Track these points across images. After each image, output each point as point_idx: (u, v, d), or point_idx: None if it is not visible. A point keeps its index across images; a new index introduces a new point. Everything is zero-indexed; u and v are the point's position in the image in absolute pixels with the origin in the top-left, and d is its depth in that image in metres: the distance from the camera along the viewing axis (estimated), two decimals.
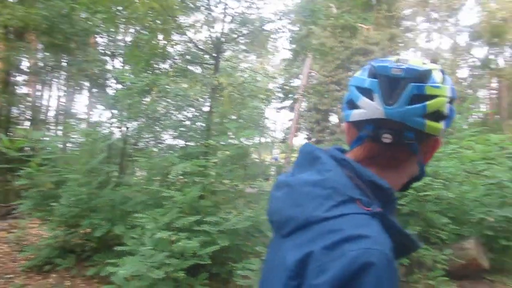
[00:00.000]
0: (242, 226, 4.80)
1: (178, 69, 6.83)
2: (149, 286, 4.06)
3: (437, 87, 0.80)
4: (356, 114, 0.84)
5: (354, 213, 0.73)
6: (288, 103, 30.92)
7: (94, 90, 13.99)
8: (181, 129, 6.07)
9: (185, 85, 5.41)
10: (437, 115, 0.80)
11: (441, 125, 0.81)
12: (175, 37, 6.89)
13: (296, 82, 25.14)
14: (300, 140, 36.07)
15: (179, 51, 7.26)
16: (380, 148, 0.83)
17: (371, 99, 0.81)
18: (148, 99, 7.33)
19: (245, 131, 5.62)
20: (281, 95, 7.60)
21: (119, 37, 9.57)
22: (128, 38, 8.81)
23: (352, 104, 0.86)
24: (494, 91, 39.97)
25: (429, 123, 0.79)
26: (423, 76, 0.79)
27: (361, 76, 0.86)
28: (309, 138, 26.92)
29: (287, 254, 0.75)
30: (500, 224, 6.03)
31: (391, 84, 0.79)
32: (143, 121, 7.11)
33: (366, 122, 0.83)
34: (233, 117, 6.81)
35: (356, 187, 0.77)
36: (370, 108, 0.81)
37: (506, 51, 33.81)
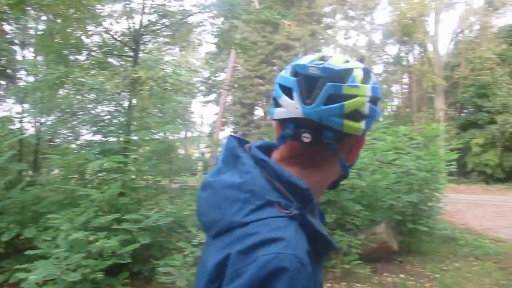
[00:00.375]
0: (163, 223, 4.73)
1: (95, 61, 6.50)
2: None
3: (356, 86, 0.79)
4: (278, 112, 0.84)
5: (272, 217, 0.73)
6: (213, 97, 30.98)
7: (2, 82, 12.89)
8: (100, 124, 5.79)
9: (102, 79, 5.13)
10: (356, 115, 0.79)
11: (360, 124, 0.80)
12: (91, 27, 6.54)
13: (222, 76, 25.21)
14: (226, 134, 36.24)
15: (96, 41, 6.92)
16: (301, 147, 0.82)
17: (291, 98, 0.80)
18: (63, 92, 6.91)
19: (167, 125, 5.52)
20: (204, 89, 7.54)
21: (31, 24, 8.86)
22: (41, 26, 8.18)
23: (275, 102, 0.85)
24: (406, 86, 43.21)
25: (348, 122, 0.78)
26: (341, 76, 0.78)
27: (284, 74, 0.85)
28: (235, 132, 27.11)
29: (210, 256, 0.76)
30: (407, 208, 6.57)
31: (309, 83, 0.78)
32: (58, 116, 6.69)
33: (288, 120, 0.82)
34: (155, 111, 6.64)
35: (274, 190, 0.77)
36: (290, 107, 0.80)
37: (415, 49, 36.64)
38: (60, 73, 4.97)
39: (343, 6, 31.77)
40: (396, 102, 47.63)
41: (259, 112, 26.37)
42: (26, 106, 7.18)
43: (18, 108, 7.64)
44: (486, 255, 7.04)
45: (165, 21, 6.71)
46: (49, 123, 7.02)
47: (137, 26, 6.40)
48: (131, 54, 6.36)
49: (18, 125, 7.31)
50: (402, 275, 5.72)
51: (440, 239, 7.73)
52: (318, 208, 0.94)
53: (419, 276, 5.75)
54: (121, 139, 5.93)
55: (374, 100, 0.82)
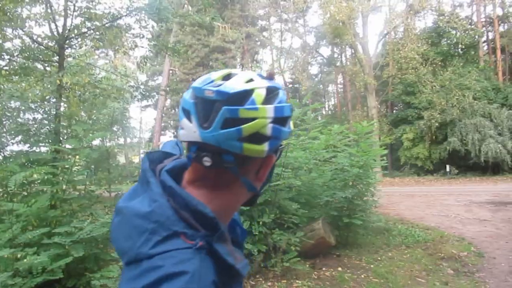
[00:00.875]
0: (98, 233, 4.54)
1: (17, 67, 6.11)
2: None
3: (254, 109, 0.75)
4: (181, 135, 0.80)
5: (178, 249, 0.71)
6: (152, 101, 30.22)
7: None
8: (27, 133, 5.43)
9: (24, 85, 4.81)
10: (256, 138, 0.76)
11: (263, 146, 0.77)
12: (10, 30, 6.13)
13: (159, 80, 24.61)
14: (167, 138, 35.53)
15: (18, 45, 6.51)
16: (204, 170, 0.80)
17: (190, 121, 0.77)
18: None
19: (97, 133, 5.31)
20: (138, 94, 7.33)
21: None
22: None
23: (180, 124, 0.81)
24: (341, 86, 44.99)
25: (247, 146, 0.76)
26: (237, 98, 0.75)
27: (186, 95, 0.81)
28: (175, 136, 26.62)
29: (121, 285, 0.73)
30: (343, 204, 6.84)
31: (205, 106, 0.76)
32: None
33: (191, 143, 0.79)
34: (86, 118, 6.35)
35: (181, 220, 0.75)
36: (189, 130, 0.77)
37: (347, 50, 38.27)
38: None
39: (277, 9, 32.41)
40: (332, 101, 49.69)
41: None
42: None
43: None
44: (416, 243, 7.50)
45: (91, 24, 6.45)
46: None
47: (60, 30, 6.11)
48: (56, 59, 6.06)
49: None
50: (339, 268, 5.94)
51: (375, 231, 8.13)
52: (240, 225, 0.97)
53: (355, 268, 6.00)
54: (47, 149, 5.63)
55: (278, 120, 0.78)
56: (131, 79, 6.45)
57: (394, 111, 34.07)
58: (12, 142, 5.75)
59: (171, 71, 22.87)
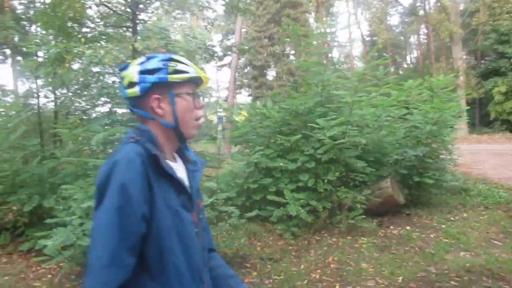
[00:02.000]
0: None
1: (96, 33, 6.57)
2: (82, 253, 4.15)
3: (125, 70, 1.29)
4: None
5: (128, 143, 1.20)
6: (228, 60, 30.59)
7: (18, 58, 13.10)
8: (108, 95, 5.89)
9: (102, 52, 5.19)
10: (130, 85, 1.26)
11: (134, 89, 1.25)
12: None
13: (232, 39, 24.78)
14: (243, 97, 35.94)
15: (100, 13, 6.95)
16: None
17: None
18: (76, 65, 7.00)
19: None
20: (206, 55, 7.51)
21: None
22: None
23: None
24: (424, 37, 41.78)
25: (127, 91, 1.27)
26: (125, 67, 1.30)
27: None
28: (249, 95, 27.02)
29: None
30: (413, 162, 6.61)
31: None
32: (74, 88, 6.78)
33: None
34: None
35: (136, 136, 1.23)
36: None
37: None
38: (59, 48, 5.09)
39: None
40: (415, 54, 46.50)
41: (270, 73, 26.04)
42: (40, 81, 7.33)
43: (33, 83, 7.84)
44: (497, 204, 7.04)
45: None
46: (64, 96, 7.16)
47: None
48: (130, 24, 6.40)
49: (33, 101, 7.53)
50: (408, 227, 5.86)
51: (450, 190, 7.77)
52: (197, 158, 1.45)
53: (425, 227, 5.87)
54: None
55: (143, 72, 1.25)
56: (199, 41, 6.59)
57: (484, 62, 30.98)
58: (97, 103, 6.29)
59: (243, 29, 22.84)
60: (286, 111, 6.55)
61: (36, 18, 6.96)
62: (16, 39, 11.64)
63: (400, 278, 4.15)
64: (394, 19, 43.09)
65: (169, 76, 1.24)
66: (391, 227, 5.93)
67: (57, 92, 7.13)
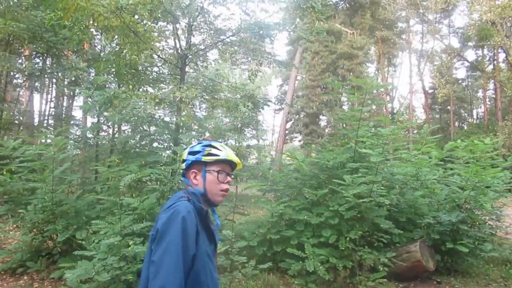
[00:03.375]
0: None
1: (146, 80, 7.14)
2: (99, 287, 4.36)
3: (184, 151, 1.82)
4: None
5: (181, 201, 1.60)
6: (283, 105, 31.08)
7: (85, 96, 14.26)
8: (147, 139, 6.34)
9: (147, 98, 5.67)
10: (183, 161, 1.77)
11: (183, 164, 1.76)
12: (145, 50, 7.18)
13: (285, 87, 25.35)
14: (295, 143, 35.99)
15: (152, 61, 7.56)
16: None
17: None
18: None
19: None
20: (250, 103, 7.84)
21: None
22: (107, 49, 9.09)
23: None
24: (492, 92, 39.92)
25: (182, 165, 1.77)
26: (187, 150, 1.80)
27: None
28: (299, 141, 27.12)
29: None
30: (445, 228, 6.31)
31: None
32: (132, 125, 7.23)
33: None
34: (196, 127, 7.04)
35: (185, 196, 1.66)
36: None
37: (499, 53, 33.90)
38: (110, 94, 5.60)
39: (417, 10, 30.50)
40: (482, 108, 44.29)
41: (321, 121, 26.17)
42: (101, 116, 7.93)
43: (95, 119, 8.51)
44: None
45: (212, 39, 7.14)
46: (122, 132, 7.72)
47: (183, 44, 6.87)
48: (178, 73, 6.90)
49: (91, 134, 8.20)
50: None
51: (492, 260, 7.26)
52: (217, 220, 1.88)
53: None
54: (167, 152, 6.44)
55: (190, 152, 1.76)
56: (240, 91, 6.95)
57: None
58: (137, 146, 6.75)
59: (298, 77, 23.34)
60: (316, 164, 6.60)
61: (95, 64, 7.70)
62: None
63: None
64: (461, 72, 41.75)
65: (203, 157, 1.71)
66: None
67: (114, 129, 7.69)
